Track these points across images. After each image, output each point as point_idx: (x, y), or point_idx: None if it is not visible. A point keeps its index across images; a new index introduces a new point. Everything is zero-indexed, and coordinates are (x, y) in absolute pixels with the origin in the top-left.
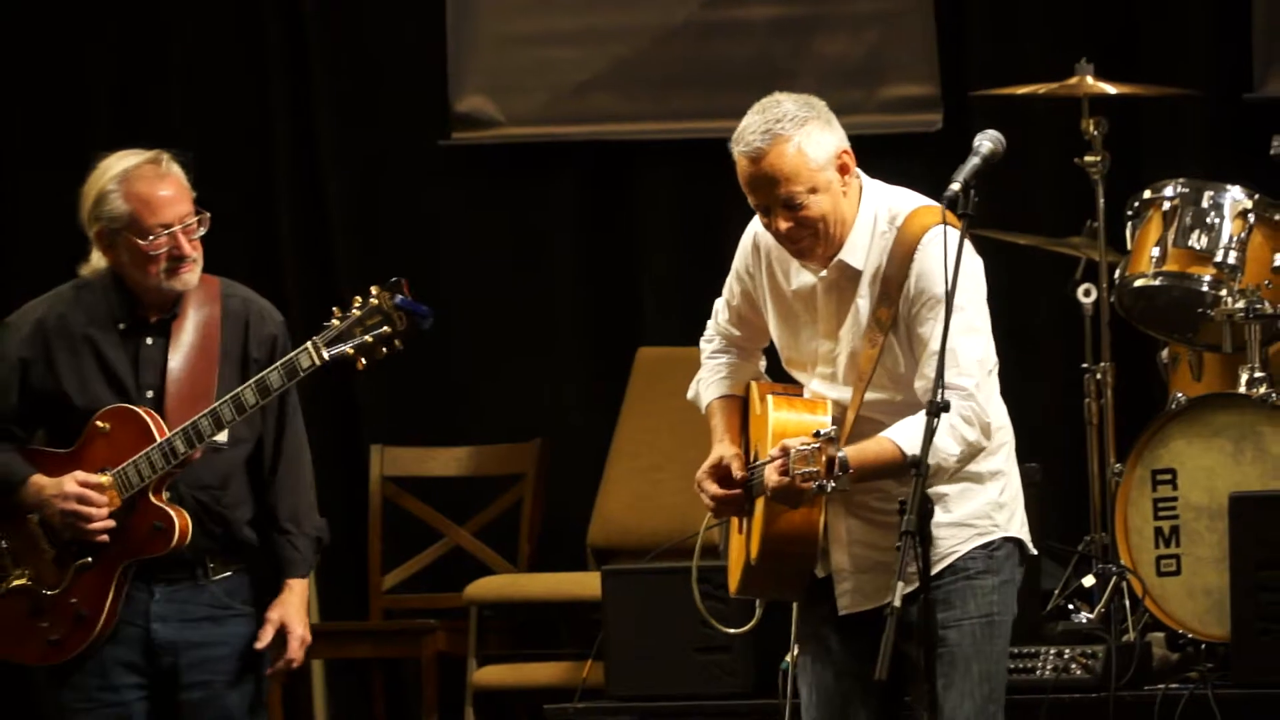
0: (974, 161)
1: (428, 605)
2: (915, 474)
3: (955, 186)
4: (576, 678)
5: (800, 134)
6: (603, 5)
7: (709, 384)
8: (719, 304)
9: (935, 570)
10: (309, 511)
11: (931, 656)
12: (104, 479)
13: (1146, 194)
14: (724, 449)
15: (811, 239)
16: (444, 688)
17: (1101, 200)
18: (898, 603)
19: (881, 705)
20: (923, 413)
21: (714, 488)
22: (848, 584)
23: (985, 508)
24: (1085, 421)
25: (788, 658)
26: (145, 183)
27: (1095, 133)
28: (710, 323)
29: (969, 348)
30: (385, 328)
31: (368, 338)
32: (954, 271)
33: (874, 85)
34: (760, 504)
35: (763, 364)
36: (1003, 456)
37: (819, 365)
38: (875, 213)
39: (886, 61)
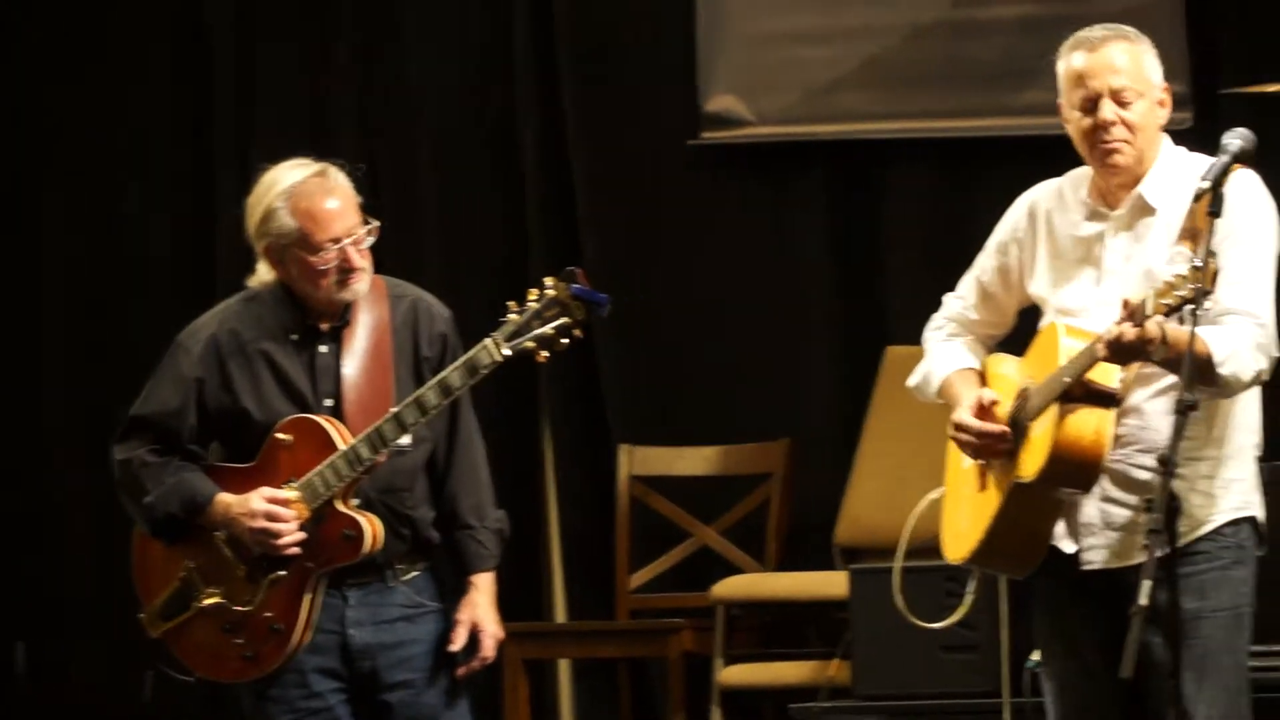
0: (1224, 160)
1: (675, 604)
2: (1164, 472)
3: (1205, 185)
4: (823, 677)
5: (1143, 44)
6: (852, 4)
7: (943, 361)
8: (958, 290)
9: (1191, 537)
10: (489, 505)
11: (1178, 652)
12: (290, 493)
13: None
14: (981, 391)
15: (1125, 143)
16: (690, 687)
17: None
18: (1144, 600)
19: (1127, 703)
20: (1236, 323)
21: (976, 422)
22: (1095, 539)
23: (1249, 481)
24: None
25: (1034, 655)
26: (312, 198)
27: None
28: (938, 314)
29: (1265, 284)
30: (564, 318)
31: (547, 329)
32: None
33: None
34: (1050, 414)
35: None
36: (1260, 440)
37: (1099, 309)
38: (1175, 160)
39: None
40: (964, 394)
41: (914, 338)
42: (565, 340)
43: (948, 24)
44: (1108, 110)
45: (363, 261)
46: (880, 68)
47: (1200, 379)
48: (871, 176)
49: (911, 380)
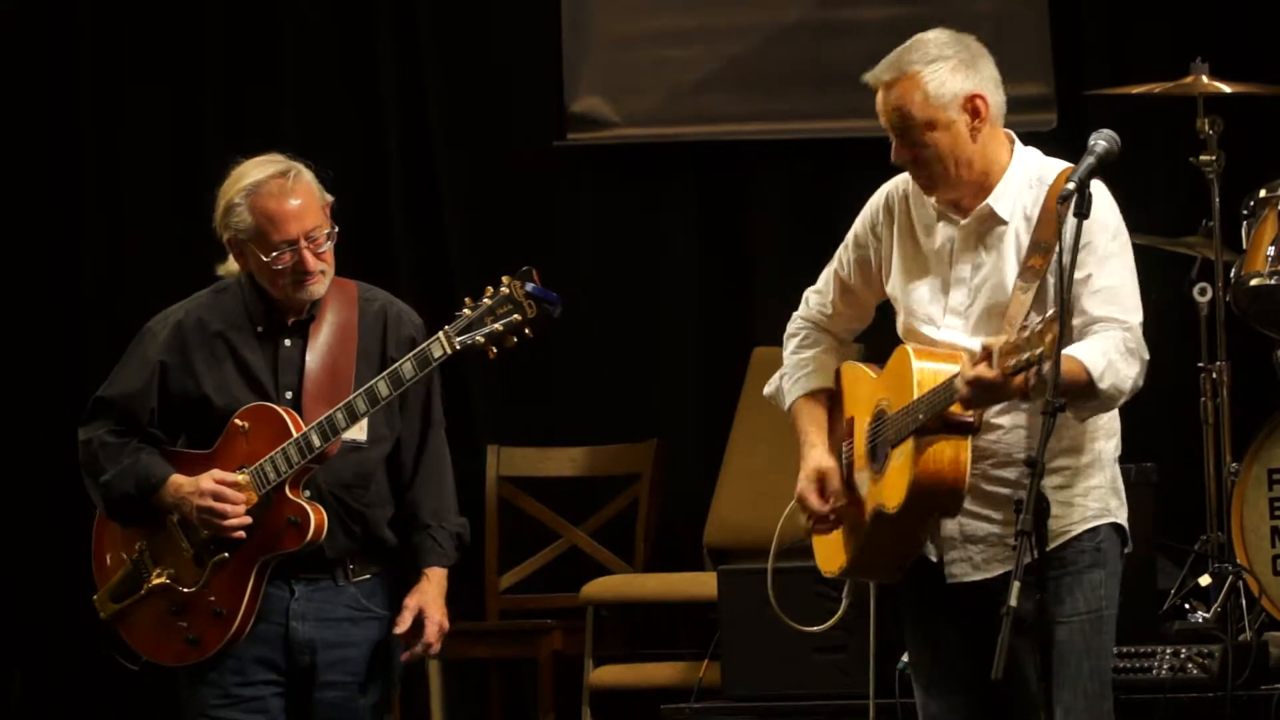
0: (1089, 161)
1: (544, 605)
2: (1031, 473)
3: (1070, 186)
4: (693, 678)
5: (927, 70)
6: (717, 5)
7: (794, 379)
8: (817, 285)
9: (1050, 546)
10: (451, 511)
11: (1047, 657)
12: (240, 477)
13: (1262, 193)
14: (820, 458)
15: (927, 176)
16: (560, 688)
17: (1217, 199)
18: (1013, 602)
19: (995, 709)
20: (1105, 334)
21: (816, 503)
22: (956, 553)
23: (1108, 486)
24: (1201, 421)
25: (905, 657)
26: (271, 199)
27: (1210, 132)
28: (797, 315)
29: (1130, 288)
30: (516, 316)
31: (498, 326)
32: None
33: None
34: (906, 447)
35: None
36: (1117, 442)
37: (948, 317)
38: (1026, 167)
39: (1000, 61)
40: (807, 437)
41: (781, 338)
42: (515, 338)
43: (812, 25)
44: (895, 154)
45: (319, 265)
46: (745, 69)
47: (1081, 398)
48: (737, 177)
49: (767, 389)
